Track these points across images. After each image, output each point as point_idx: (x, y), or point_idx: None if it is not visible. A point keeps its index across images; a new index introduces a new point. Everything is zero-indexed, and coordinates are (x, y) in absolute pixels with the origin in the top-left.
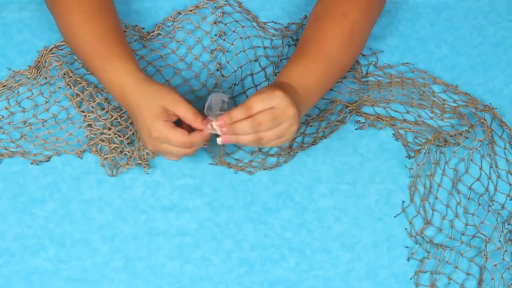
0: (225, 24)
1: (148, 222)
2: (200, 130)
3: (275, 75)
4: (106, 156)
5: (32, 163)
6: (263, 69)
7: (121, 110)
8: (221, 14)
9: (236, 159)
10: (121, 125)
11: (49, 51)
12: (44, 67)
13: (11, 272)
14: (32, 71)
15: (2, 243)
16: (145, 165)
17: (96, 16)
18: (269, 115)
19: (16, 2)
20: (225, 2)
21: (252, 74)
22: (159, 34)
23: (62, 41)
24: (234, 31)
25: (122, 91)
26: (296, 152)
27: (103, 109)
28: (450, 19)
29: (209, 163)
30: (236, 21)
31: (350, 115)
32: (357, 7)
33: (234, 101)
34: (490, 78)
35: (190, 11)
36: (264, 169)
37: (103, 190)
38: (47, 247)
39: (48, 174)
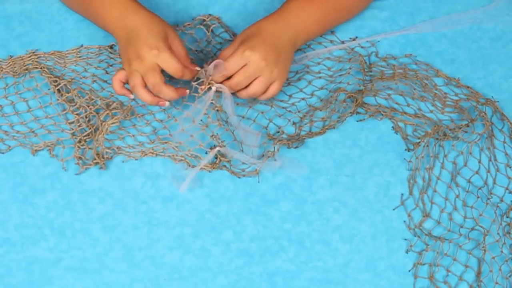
0: (220, 42)
1: (148, 212)
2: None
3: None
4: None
5: (32, 152)
6: None
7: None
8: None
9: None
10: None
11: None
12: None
13: (11, 261)
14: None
15: (3, 233)
16: (103, 165)
17: None
18: (243, 74)
19: None
20: (215, 23)
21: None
22: None
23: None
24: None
25: (123, 11)
26: (304, 139)
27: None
28: (449, 13)
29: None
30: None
31: (357, 107)
32: None
33: None
34: (489, 72)
35: (184, 26)
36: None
37: (103, 181)
38: (48, 236)
39: (49, 165)
